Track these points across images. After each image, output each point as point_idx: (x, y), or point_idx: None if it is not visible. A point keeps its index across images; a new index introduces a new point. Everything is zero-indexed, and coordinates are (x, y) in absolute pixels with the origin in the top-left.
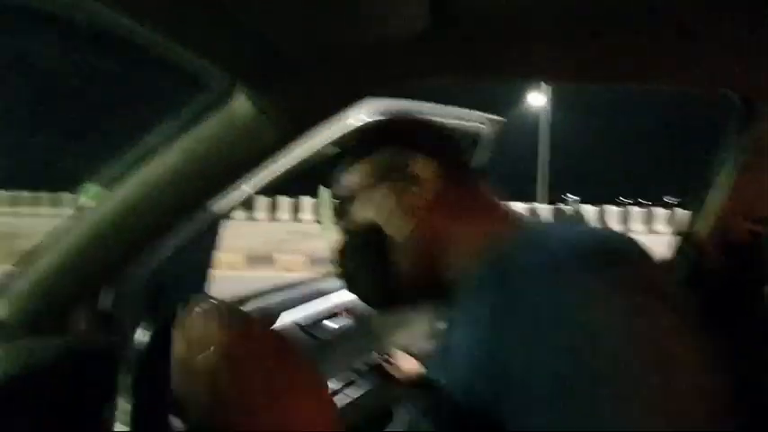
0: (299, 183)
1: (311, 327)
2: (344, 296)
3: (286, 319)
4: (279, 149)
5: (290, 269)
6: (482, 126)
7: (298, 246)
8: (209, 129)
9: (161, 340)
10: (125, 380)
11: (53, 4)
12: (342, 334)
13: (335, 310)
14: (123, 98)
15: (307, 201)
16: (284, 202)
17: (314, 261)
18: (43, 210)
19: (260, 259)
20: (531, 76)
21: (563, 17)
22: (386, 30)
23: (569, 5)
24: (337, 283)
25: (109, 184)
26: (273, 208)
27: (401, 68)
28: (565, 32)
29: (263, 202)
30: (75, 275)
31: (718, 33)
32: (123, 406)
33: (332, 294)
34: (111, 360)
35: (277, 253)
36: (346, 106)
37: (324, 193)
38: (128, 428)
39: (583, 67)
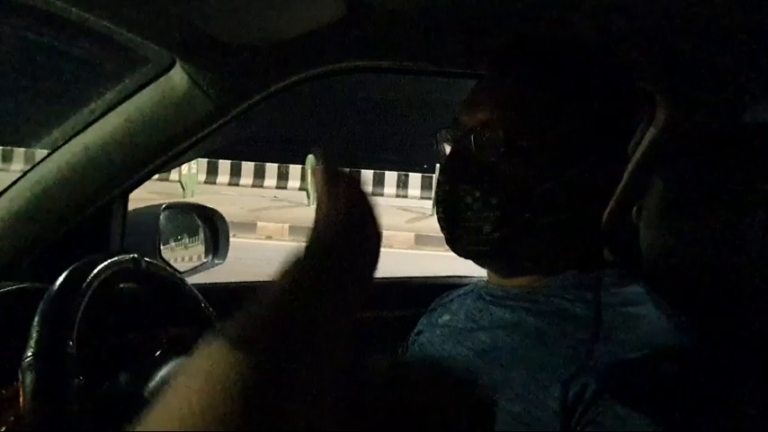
0: (285, 149)
1: None
2: None
3: None
4: (213, 121)
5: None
6: None
7: (281, 214)
8: (149, 98)
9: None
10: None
11: None
12: None
13: None
14: (66, 69)
15: (293, 168)
16: (271, 168)
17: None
18: None
19: (241, 226)
20: (444, 65)
21: (473, 8)
22: (305, 20)
23: None
24: None
25: (53, 145)
26: (259, 174)
27: (324, 52)
28: (475, 23)
29: (248, 167)
30: (21, 233)
31: None
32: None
33: None
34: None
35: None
36: (276, 85)
37: (312, 161)
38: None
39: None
